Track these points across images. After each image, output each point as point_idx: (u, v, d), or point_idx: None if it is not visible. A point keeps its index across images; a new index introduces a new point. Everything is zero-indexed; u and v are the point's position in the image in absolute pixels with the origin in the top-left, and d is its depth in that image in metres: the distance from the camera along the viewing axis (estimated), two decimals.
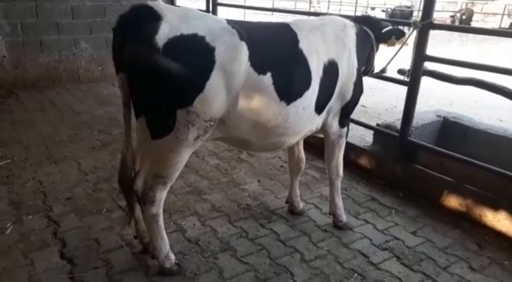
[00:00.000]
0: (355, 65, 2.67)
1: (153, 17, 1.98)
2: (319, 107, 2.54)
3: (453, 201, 3.25)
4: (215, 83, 2.04)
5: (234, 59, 2.08)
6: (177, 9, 2.10)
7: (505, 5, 19.13)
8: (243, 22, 2.30)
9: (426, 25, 3.21)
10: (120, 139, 4.56)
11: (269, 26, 2.55)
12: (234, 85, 2.09)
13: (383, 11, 18.41)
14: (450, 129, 3.97)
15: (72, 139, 4.42)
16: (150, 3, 2.05)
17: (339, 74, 2.58)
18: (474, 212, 3.12)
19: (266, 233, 2.90)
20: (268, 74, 2.19)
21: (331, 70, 2.52)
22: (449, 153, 3.30)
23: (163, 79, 1.97)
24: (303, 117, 2.48)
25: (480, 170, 3.11)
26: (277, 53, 2.31)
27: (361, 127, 4.48)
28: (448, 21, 18.44)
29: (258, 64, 2.16)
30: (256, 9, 6.14)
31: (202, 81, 2.01)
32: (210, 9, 6.09)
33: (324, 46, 2.52)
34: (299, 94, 2.38)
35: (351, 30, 2.70)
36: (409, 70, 3.45)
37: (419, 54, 3.33)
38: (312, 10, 19.88)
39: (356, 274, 2.52)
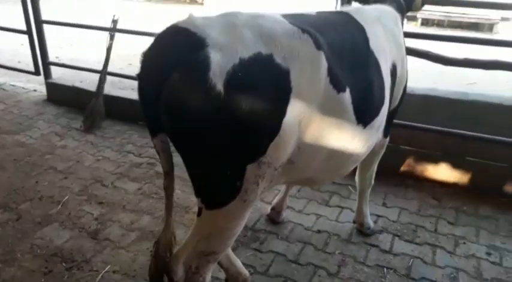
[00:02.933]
0: (406, 66, 2.29)
1: (195, 44, 1.31)
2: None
3: (393, 163, 3.46)
4: (291, 118, 1.45)
5: (314, 80, 1.50)
6: (216, 19, 1.42)
7: None
8: (301, 16, 1.69)
9: None
10: None
11: (332, 18, 1.90)
12: (309, 113, 1.52)
13: None
14: None
15: None
16: (182, 24, 1.37)
17: (396, 78, 2.14)
18: (415, 169, 3.42)
19: (272, 258, 2.50)
20: (347, 90, 1.64)
21: (393, 75, 2.07)
22: None
23: (230, 131, 1.35)
24: (375, 137, 2.04)
25: (410, 131, 3.38)
26: (352, 59, 1.72)
27: None
28: None
29: (337, 78, 1.58)
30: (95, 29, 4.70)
31: (279, 120, 1.42)
32: (33, 29, 4.66)
33: (388, 45, 2.03)
34: (376, 112, 1.90)
35: (399, 22, 2.28)
36: None
37: None
38: None
39: (385, 269, 2.44)
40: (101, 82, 4.30)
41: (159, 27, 1.46)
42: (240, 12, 1.49)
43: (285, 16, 1.58)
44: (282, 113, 1.42)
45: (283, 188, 2.85)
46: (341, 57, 1.62)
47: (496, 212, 3.01)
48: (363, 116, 1.77)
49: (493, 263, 2.51)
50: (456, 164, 3.32)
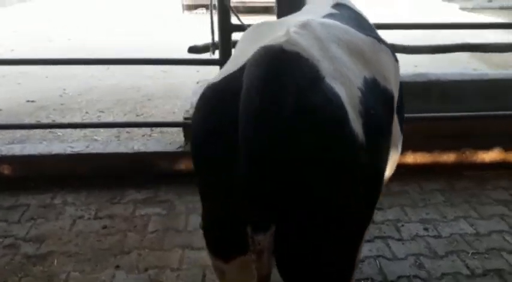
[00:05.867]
0: None
1: (313, 76, 0.94)
2: None
3: None
4: None
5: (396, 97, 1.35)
6: (305, 33, 1.02)
7: None
8: (347, 19, 1.35)
9: None
10: None
11: (354, 17, 1.55)
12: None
13: None
14: None
15: None
16: (289, 46, 0.95)
17: None
18: None
19: None
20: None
21: None
22: None
23: (370, 184, 1.09)
24: None
25: None
26: None
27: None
28: None
29: None
30: None
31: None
32: None
33: None
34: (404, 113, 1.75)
35: None
36: (213, 45, 2.95)
37: (226, 25, 2.87)
38: None
39: (362, 281, 2.29)
40: None
41: None
42: (311, 20, 1.12)
43: (340, 21, 1.25)
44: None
45: None
46: None
47: (403, 184, 3.21)
48: (402, 122, 1.59)
49: (434, 236, 2.65)
50: None
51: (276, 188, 0.89)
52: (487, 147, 3.29)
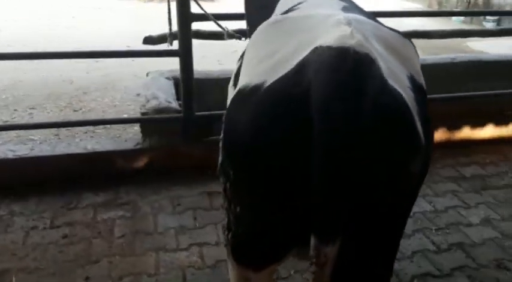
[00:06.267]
0: None
1: (382, 79, 0.93)
2: None
3: None
4: None
5: None
6: (355, 29, 0.98)
7: None
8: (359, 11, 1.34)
9: None
10: None
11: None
12: None
13: None
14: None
15: None
16: (360, 47, 0.90)
17: None
18: None
19: None
20: None
21: None
22: None
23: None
24: None
25: None
26: None
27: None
28: None
29: None
30: None
31: None
32: None
33: None
34: None
35: None
36: (170, 35, 2.79)
37: (185, 14, 2.71)
38: None
39: None
40: None
41: None
42: (350, 16, 1.08)
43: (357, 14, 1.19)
44: None
45: None
46: None
47: None
48: None
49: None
50: None
51: (351, 189, 0.85)
52: (433, 128, 3.51)
